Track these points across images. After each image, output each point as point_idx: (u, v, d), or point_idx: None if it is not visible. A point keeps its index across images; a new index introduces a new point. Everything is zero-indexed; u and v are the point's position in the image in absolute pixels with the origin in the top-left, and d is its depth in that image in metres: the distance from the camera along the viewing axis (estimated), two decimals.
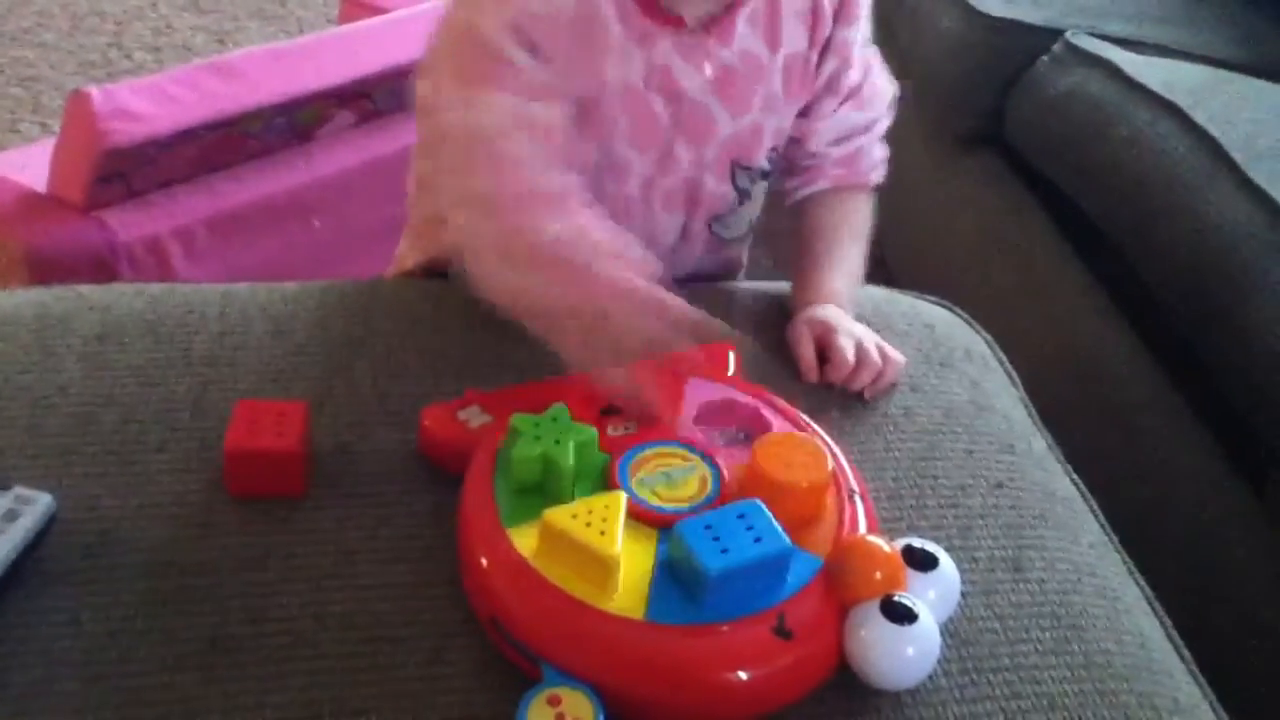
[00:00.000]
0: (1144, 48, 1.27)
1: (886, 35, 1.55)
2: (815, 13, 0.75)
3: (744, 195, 0.81)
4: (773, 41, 0.75)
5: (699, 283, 0.84)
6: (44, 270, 1.07)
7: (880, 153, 0.84)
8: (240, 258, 1.17)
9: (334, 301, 0.76)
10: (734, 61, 0.74)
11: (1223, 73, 1.23)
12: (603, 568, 0.52)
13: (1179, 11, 1.36)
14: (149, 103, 1.06)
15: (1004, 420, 0.73)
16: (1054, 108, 1.23)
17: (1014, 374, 0.80)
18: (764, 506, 0.54)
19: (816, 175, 0.82)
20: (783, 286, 0.83)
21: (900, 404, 0.72)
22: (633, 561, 0.53)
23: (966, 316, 0.83)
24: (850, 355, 0.72)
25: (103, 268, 1.09)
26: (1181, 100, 1.12)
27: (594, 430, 0.59)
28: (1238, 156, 1.04)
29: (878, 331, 0.76)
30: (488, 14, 0.68)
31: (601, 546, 0.52)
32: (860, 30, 0.78)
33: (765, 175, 0.81)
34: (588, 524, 0.53)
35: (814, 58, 0.77)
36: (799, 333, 0.75)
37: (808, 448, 0.58)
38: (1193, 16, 1.36)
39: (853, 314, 0.77)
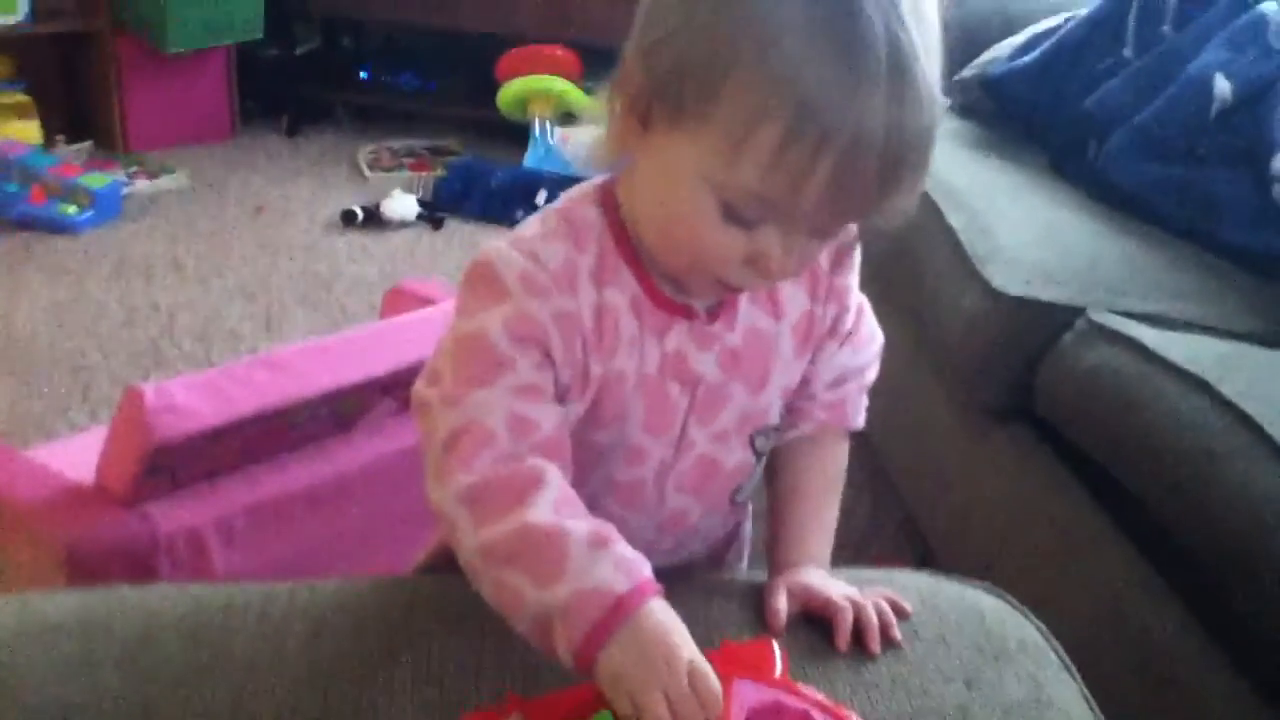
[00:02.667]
0: (1164, 322, 1.30)
1: (909, 316, 1.62)
2: (814, 272, 0.76)
3: (760, 455, 0.81)
4: (776, 312, 0.76)
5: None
6: (83, 564, 1.07)
7: (864, 401, 0.84)
8: (278, 547, 1.17)
9: (374, 601, 0.76)
10: (740, 341, 0.75)
11: (1244, 346, 1.25)
12: None
13: (1195, 287, 1.40)
14: (200, 398, 1.10)
15: (1066, 718, 0.70)
16: (1082, 383, 1.25)
17: (1070, 664, 0.77)
18: None
19: (803, 418, 0.81)
20: None
21: (956, 702, 0.70)
22: None
23: (1015, 602, 0.81)
24: (844, 602, 0.73)
25: (141, 560, 1.10)
26: (1208, 375, 1.13)
27: None
28: (1272, 431, 1.04)
29: (926, 622, 0.75)
30: (492, 318, 0.68)
31: None
32: (854, 275, 0.79)
33: (779, 428, 0.81)
34: None
35: (818, 311, 0.78)
36: (775, 585, 0.76)
37: None
38: (1209, 291, 1.40)
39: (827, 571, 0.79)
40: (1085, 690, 0.75)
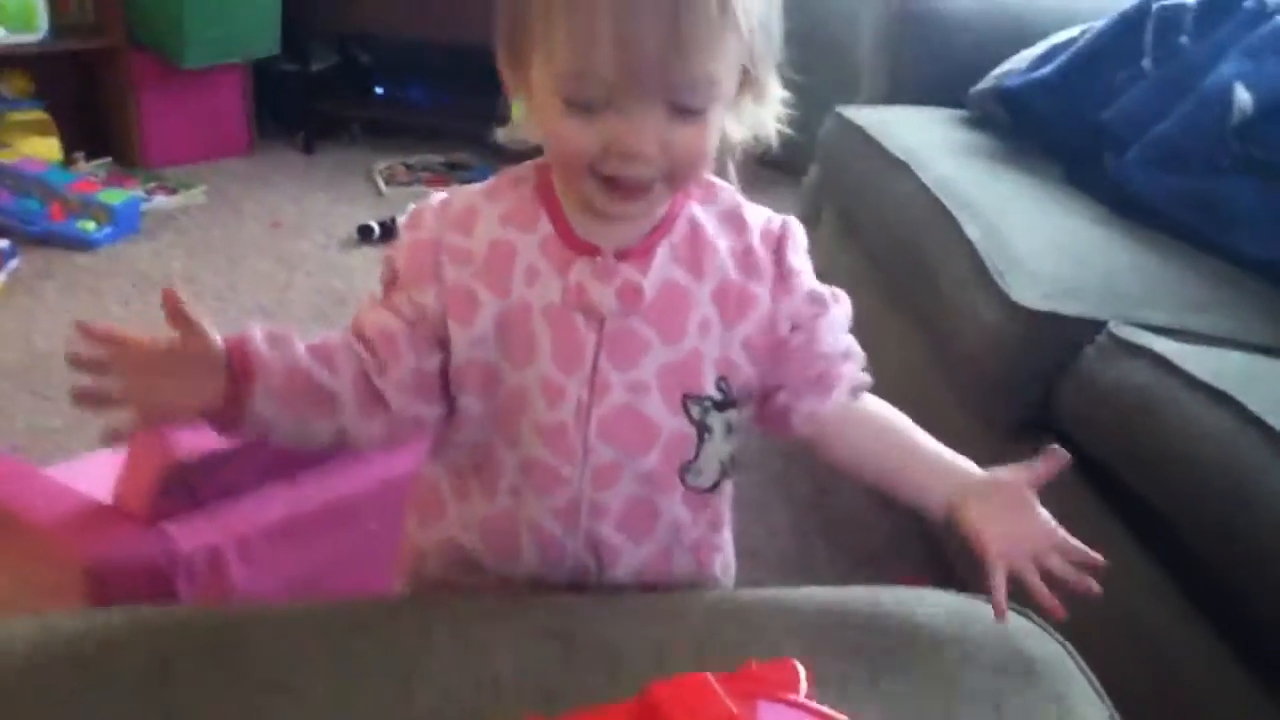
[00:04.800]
0: (1186, 335, 1.29)
1: (924, 328, 1.61)
2: (748, 249, 0.80)
3: (703, 430, 0.81)
4: (698, 271, 0.79)
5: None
6: (103, 583, 1.07)
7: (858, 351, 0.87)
8: (297, 563, 1.17)
9: (392, 621, 0.75)
10: (654, 288, 0.78)
11: (1267, 360, 1.24)
12: None
13: (1216, 299, 1.39)
14: None
15: None
16: (1103, 398, 1.24)
17: (1096, 683, 0.76)
18: None
19: (832, 381, 0.83)
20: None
21: None
22: None
23: (1042, 622, 0.81)
24: (999, 564, 0.77)
25: (160, 578, 1.09)
26: (1232, 389, 1.12)
27: None
28: None
29: (951, 641, 0.74)
30: (396, 248, 0.81)
31: None
32: (803, 258, 0.83)
33: (721, 406, 0.81)
34: None
35: (756, 290, 0.80)
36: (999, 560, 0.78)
37: None
38: (1230, 304, 1.38)
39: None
40: (1114, 711, 0.75)
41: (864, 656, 0.73)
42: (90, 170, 2.99)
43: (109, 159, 3.10)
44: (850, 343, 0.85)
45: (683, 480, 0.82)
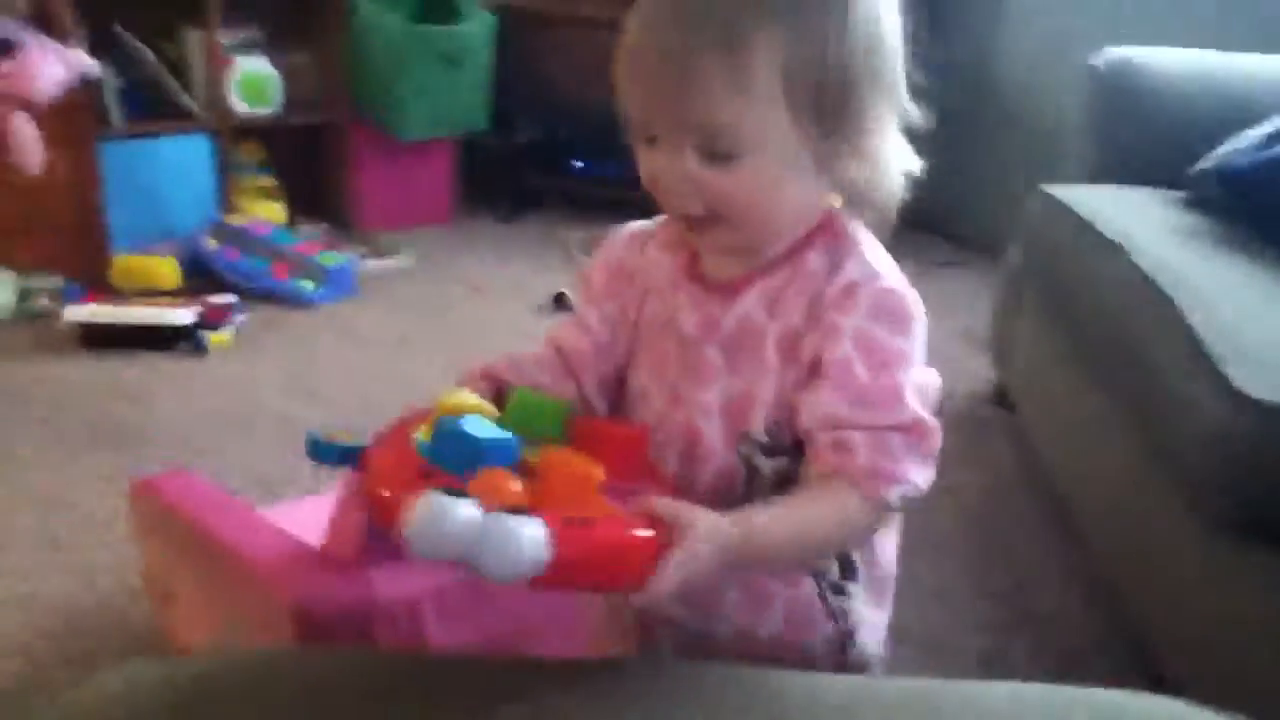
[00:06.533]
0: None
1: (1135, 415, 1.53)
2: (816, 295, 0.81)
3: (752, 471, 0.83)
4: (772, 311, 0.83)
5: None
6: (308, 624, 1.12)
7: (885, 463, 0.77)
8: (492, 620, 1.19)
9: (586, 680, 0.75)
10: (732, 323, 0.84)
11: None
12: None
13: None
14: None
15: None
16: None
17: None
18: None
19: (813, 456, 0.80)
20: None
21: None
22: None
23: None
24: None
25: (362, 624, 1.13)
26: None
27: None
28: None
29: None
30: (591, 265, 0.95)
31: None
32: (861, 322, 0.79)
33: (769, 451, 0.82)
34: None
35: (805, 336, 0.81)
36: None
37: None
38: None
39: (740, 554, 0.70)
40: None
41: None
42: (311, 233, 3.19)
43: (325, 223, 3.30)
44: (843, 426, 0.78)
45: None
